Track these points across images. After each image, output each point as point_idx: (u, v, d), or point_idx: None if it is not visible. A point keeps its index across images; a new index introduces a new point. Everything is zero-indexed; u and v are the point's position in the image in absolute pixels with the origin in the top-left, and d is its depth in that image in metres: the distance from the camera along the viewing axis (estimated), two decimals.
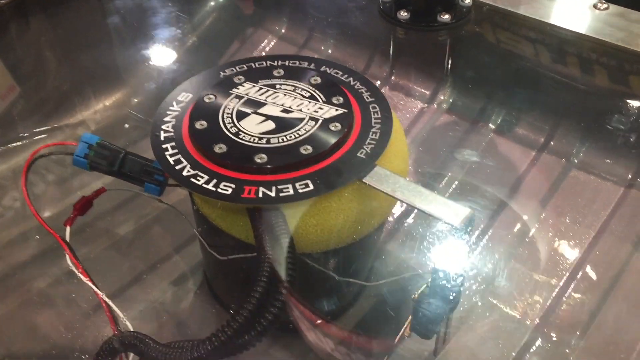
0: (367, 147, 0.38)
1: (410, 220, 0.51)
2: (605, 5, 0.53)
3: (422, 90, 0.57)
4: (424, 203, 0.36)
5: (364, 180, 0.37)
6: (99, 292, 0.37)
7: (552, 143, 0.54)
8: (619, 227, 0.47)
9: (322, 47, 0.64)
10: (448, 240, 0.38)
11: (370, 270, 0.45)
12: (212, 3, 0.73)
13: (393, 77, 0.59)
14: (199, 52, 0.68)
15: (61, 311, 0.46)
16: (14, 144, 0.56)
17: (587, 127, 0.52)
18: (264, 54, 0.66)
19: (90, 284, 0.37)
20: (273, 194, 0.36)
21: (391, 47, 0.58)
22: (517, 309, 0.44)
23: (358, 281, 0.41)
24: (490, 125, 0.55)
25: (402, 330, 0.41)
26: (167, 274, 0.49)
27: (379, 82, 0.60)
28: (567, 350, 0.41)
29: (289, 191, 0.36)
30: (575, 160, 0.51)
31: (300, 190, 0.36)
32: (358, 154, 0.38)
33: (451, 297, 0.37)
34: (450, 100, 0.57)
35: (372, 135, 0.39)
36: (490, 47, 0.56)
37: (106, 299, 0.36)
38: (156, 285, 0.48)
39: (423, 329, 0.40)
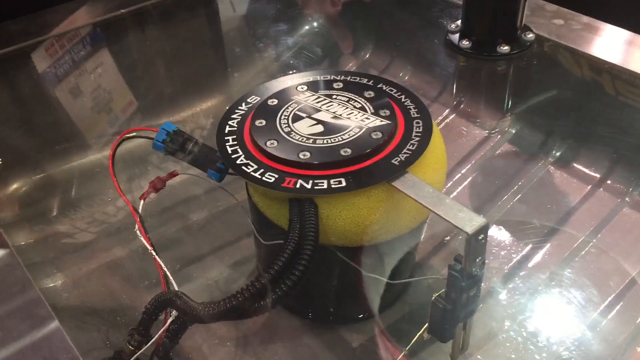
0: (402, 156, 0.42)
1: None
2: None
3: (486, 119, 0.59)
4: (442, 209, 0.39)
5: (392, 184, 0.41)
6: (155, 255, 0.43)
7: (608, 181, 0.54)
8: None
9: (400, 74, 0.68)
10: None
11: (398, 274, 0.48)
12: (313, 26, 0.79)
13: (462, 105, 0.62)
14: (291, 69, 0.75)
15: (133, 278, 0.53)
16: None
17: None
18: None
19: (149, 246, 0.43)
20: (309, 186, 0.40)
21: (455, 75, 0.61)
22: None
23: (379, 277, 0.44)
24: (548, 158, 0.56)
25: (421, 332, 0.43)
26: (226, 259, 0.55)
27: (448, 110, 0.63)
28: None
29: (323, 185, 0.40)
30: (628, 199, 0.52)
31: (333, 186, 0.40)
32: (392, 161, 0.42)
33: (465, 299, 0.40)
34: (513, 131, 0.59)
35: (409, 146, 0.43)
36: (549, 83, 0.57)
37: (160, 262, 0.42)
38: (214, 267, 0.54)
39: (440, 331, 0.43)
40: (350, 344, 0.47)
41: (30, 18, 0.72)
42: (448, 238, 0.53)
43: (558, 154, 0.57)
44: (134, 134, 0.48)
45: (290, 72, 0.70)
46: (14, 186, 0.60)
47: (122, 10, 0.74)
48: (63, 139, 0.67)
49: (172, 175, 0.49)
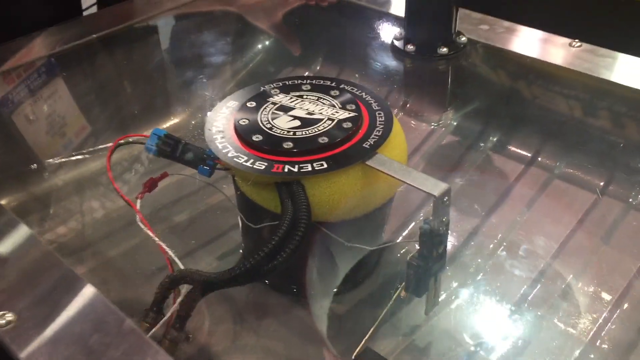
0: (371, 140, 0.49)
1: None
2: (579, 44, 0.63)
3: (431, 113, 0.68)
4: (411, 179, 0.46)
5: (367, 163, 0.48)
6: (160, 243, 0.48)
7: (539, 158, 0.63)
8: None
9: (351, 79, 0.76)
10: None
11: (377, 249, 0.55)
12: (260, 46, 0.86)
13: (409, 103, 0.71)
14: (247, 84, 0.81)
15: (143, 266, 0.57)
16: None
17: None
18: None
19: (153, 236, 0.48)
20: (296, 170, 0.47)
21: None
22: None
23: (362, 246, 0.51)
24: (485, 143, 0.65)
25: (398, 291, 0.50)
26: (214, 252, 0.60)
27: (397, 107, 0.71)
28: None
29: (308, 168, 0.47)
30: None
31: (316, 168, 0.47)
32: (363, 145, 0.49)
33: (435, 255, 0.47)
34: (455, 123, 0.67)
35: (375, 132, 0.50)
36: (482, 78, 0.67)
37: (165, 247, 0.48)
38: (204, 259, 0.59)
39: (415, 288, 0.50)
40: (336, 313, 0.54)
41: None
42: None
43: (494, 139, 0.66)
44: (126, 140, 0.53)
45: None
46: None
47: (73, 43, 0.77)
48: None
49: (164, 175, 0.55)
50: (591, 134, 0.61)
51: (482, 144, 0.66)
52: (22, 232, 0.47)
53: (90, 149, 0.70)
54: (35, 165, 0.67)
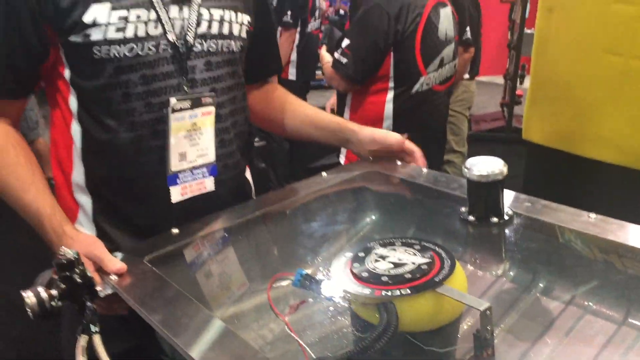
0: (440, 276, 0.75)
1: None
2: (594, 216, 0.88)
3: (491, 265, 0.92)
4: (465, 300, 0.71)
5: (437, 290, 0.74)
6: (299, 340, 0.74)
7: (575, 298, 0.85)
8: None
9: (429, 238, 1.03)
10: None
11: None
12: (368, 220, 1.16)
13: (475, 258, 0.96)
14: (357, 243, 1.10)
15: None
16: None
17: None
18: None
19: (295, 337, 0.75)
20: (390, 294, 0.73)
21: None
22: None
23: (436, 349, 0.74)
24: (538, 288, 0.88)
25: None
26: (327, 344, 0.85)
27: (464, 260, 0.97)
28: None
29: (397, 293, 0.73)
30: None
31: (403, 293, 0.73)
32: (435, 279, 0.75)
33: (485, 355, 0.70)
34: (511, 274, 0.91)
35: (443, 271, 0.77)
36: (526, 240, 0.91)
37: (303, 344, 0.74)
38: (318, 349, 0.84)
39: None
40: None
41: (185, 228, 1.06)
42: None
43: (542, 285, 0.89)
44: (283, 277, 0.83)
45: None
46: None
47: (241, 219, 1.09)
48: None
49: (303, 302, 0.83)
50: (610, 278, 0.83)
51: (533, 289, 0.89)
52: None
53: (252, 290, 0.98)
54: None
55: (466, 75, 3.58)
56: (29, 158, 1.06)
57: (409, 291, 0.73)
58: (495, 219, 0.91)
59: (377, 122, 2.22)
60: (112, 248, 0.94)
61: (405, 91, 2.22)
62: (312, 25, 3.87)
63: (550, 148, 2.04)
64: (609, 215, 0.87)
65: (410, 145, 1.21)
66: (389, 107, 2.23)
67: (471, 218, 0.93)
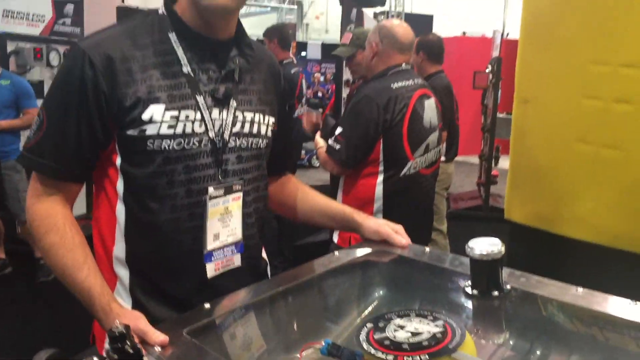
0: (454, 343, 0.86)
1: None
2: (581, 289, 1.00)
3: (492, 334, 1.03)
4: None
5: (452, 356, 0.84)
6: None
7: None
8: None
9: (441, 310, 1.14)
10: None
11: None
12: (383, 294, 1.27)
13: (477, 328, 1.07)
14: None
15: None
16: None
17: None
18: None
19: None
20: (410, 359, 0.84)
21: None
22: None
23: None
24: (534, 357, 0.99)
25: None
26: None
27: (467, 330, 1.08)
28: None
29: (417, 359, 0.84)
30: None
31: (423, 359, 0.84)
32: (449, 346, 0.86)
33: None
34: (511, 342, 1.02)
35: (456, 339, 0.88)
36: (524, 310, 1.03)
37: None
38: None
39: None
40: None
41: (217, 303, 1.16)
42: None
43: (539, 352, 1.00)
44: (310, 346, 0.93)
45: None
46: None
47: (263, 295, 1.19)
48: None
49: None
50: (598, 345, 0.95)
51: (531, 356, 1.00)
52: None
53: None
54: None
55: (443, 158, 3.79)
56: (82, 239, 1.16)
57: (427, 357, 0.84)
58: (495, 293, 1.03)
59: (368, 203, 2.36)
60: (148, 320, 1.03)
61: (394, 174, 2.37)
62: (299, 110, 4.08)
63: (531, 227, 2.19)
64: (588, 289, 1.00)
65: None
66: (379, 189, 2.38)
67: (474, 292, 1.05)
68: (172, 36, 1.20)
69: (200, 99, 1.19)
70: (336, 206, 1.48)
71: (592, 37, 1.91)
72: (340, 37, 6.82)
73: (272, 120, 1.32)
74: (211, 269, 1.21)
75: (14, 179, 3.83)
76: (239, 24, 1.28)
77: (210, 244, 1.20)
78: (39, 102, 4.34)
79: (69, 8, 5.68)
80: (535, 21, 2.16)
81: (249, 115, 1.27)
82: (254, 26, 12.49)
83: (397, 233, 1.31)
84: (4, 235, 4.08)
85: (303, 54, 10.22)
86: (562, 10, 2.01)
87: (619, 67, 1.83)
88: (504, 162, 3.11)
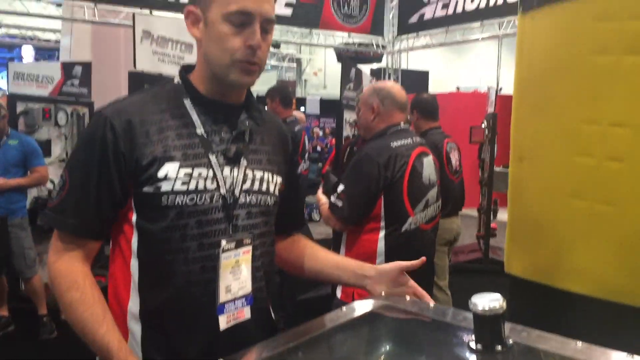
0: None
1: None
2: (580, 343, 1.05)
3: None
4: None
5: None
6: None
7: None
8: None
9: None
10: None
11: None
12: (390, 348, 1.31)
13: None
14: None
15: None
16: None
17: None
18: None
19: None
20: None
21: None
22: None
23: None
24: None
25: None
26: None
27: None
28: None
29: None
30: None
31: None
32: None
33: None
34: None
35: None
36: None
37: None
38: None
39: None
40: None
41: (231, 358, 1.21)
42: None
43: None
44: None
45: None
46: None
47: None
48: None
49: None
50: None
51: None
52: None
53: None
54: None
55: None
56: (100, 296, 1.22)
57: None
58: (499, 347, 1.08)
59: (371, 259, 2.41)
60: None
61: (396, 230, 2.43)
62: (302, 166, 4.18)
63: (531, 281, 2.24)
64: (590, 342, 1.05)
65: (419, 290, 1.39)
66: (381, 245, 2.44)
67: (478, 347, 1.10)
68: (187, 102, 1.30)
69: (212, 157, 1.27)
70: (344, 258, 1.55)
71: (583, 98, 2.01)
72: (340, 91, 7.00)
73: (279, 179, 1.40)
74: (223, 322, 1.26)
75: (20, 236, 3.88)
76: (248, 91, 1.38)
77: (223, 297, 1.26)
78: (47, 160, 4.48)
79: (77, 70, 5.87)
80: (528, 84, 2.27)
81: (258, 174, 1.34)
82: (256, 83, 12.77)
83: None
84: (7, 293, 4.10)
85: (302, 109, 10.43)
86: (553, 73, 2.12)
87: (608, 126, 1.92)
88: (503, 215, 3.18)
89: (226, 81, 1.27)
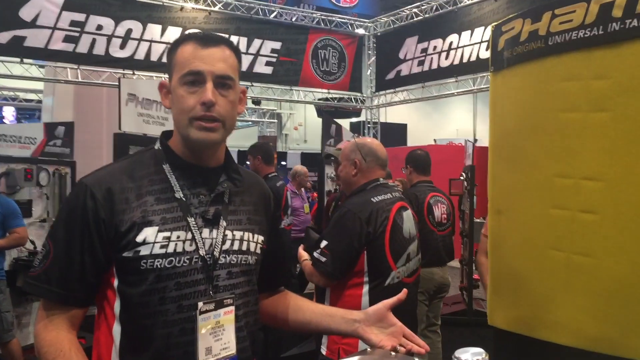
0: None
1: None
2: None
3: None
4: None
5: None
6: None
7: None
8: None
9: None
10: None
11: None
12: None
13: None
14: None
15: None
16: None
17: None
18: None
19: None
20: None
21: None
22: None
23: None
24: None
25: None
26: None
27: None
28: None
29: None
30: None
31: None
32: None
33: None
34: None
35: None
36: None
37: None
38: None
39: None
40: None
41: None
42: None
43: None
44: None
45: None
46: None
47: None
48: None
49: None
50: None
51: None
52: None
53: None
54: None
55: None
56: None
57: None
58: None
59: None
60: None
61: (379, 284, 2.45)
62: (285, 221, 4.21)
63: (514, 333, 2.26)
64: None
65: (407, 330, 1.42)
66: (365, 299, 2.45)
67: None
68: (166, 167, 1.34)
69: (191, 220, 1.30)
70: (331, 307, 1.58)
71: (555, 153, 2.08)
72: (321, 147, 7.10)
73: (261, 238, 1.43)
74: None
75: None
76: (227, 153, 1.42)
77: (202, 358, 1.26)
78: (27, 220, 4.45)
79: (60, 130, 5.91)
80: (502, 139, 2.35)
81: (238, 234, 1.37)
82: (238, 139, 12.93)
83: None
84: None
85: (283, 163, 10.52)
86: (526, 129, 2.20)
87: (580, 179, 1.99)
88: None
89: (190, 141, 1.32)
